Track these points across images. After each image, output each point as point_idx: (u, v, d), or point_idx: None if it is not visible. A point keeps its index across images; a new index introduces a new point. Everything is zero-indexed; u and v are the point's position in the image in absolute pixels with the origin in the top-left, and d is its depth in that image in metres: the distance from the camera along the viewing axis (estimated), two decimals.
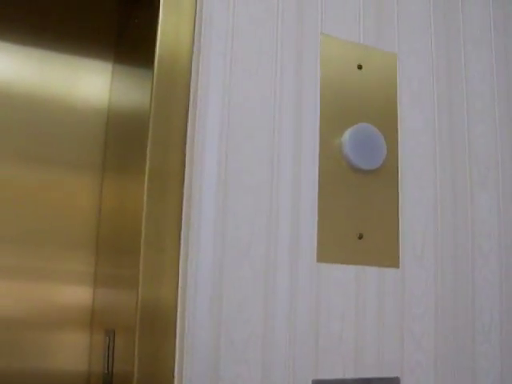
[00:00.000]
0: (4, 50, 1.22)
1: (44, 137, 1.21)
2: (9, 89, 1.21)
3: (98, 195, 1.23)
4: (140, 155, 0.92)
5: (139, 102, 1.00)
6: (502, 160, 1.14)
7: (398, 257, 1.00)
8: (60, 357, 1.17)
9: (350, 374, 0.92)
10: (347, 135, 0.96)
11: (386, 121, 1.02)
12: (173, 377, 0.83)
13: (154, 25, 0.92)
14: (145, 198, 0.86)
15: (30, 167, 1.20)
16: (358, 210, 0.97)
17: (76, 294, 1.20)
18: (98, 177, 1.23)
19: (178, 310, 0.85)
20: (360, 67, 1.01)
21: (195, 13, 0.92)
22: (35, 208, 1.19)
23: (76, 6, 1.28)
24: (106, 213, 1.17)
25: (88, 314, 1.19)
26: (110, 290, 1.09)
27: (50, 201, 1.20)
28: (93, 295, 1.20)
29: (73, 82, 1.25)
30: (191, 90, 0.90)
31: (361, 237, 0.96)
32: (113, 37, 1.29)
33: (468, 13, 1.16)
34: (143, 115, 0.95)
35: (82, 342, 1.18)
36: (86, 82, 1.26)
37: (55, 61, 1.25)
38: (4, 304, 1.15)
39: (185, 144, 0.89)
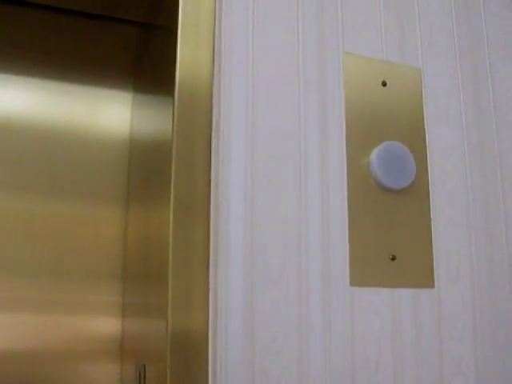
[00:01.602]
0: (23, 83, 1.23)
1: (68, 170, 1.21)
2: (29, 123, 1.21)
3: (123, 225, 1.22)
4: (164, 184, 0.91)
5: (161, 130, 0.99)
6: None
7: (433, 277, 0.97)
8: None
9: None
10: (375, 154, 0.94)
11: (414, 138, 0.99)
12: None
13: (172, 52, 0.91)
14: (171, 226, 0.85)
15: (53, 199, 1.20)
16: (390, 231, 0.94)
17: (105, 325, 1.19)
18: (122, 207, 1.23)
19: (210, 341, 0.83)
20: (384, 84, 0.99)
21: (214, 37, 0.91)
22: (62, 241, 1.19)
23: (93, 37, 1.28)
24: (132, 243, 1.16)
25: (118, 345, 1.18)
26: (138, 320, 1.07)
27: (76, 233, 1.20)
28: (121, 326, 1.18)
29: (93, 113, 1.25)
30: (213, 116, 0.89)
31: (394, 258, 0.94)
32: (131, 66, 1.29)
33: (491, 24, 1.14)
34: (166, 143, 0.94)
35: (111, 374, 1.17)
36: (107, 113, 1.26)
37: (75, 93, 1.25)
38: (32, 337, 1.14)
39: (209, 171, 0.87)
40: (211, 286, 0.84)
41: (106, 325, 1.19)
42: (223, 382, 0.80)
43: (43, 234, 1.18)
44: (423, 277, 0.96)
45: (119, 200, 1.23)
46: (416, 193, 0.97)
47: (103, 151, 1.24)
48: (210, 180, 0.87)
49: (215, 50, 0.90)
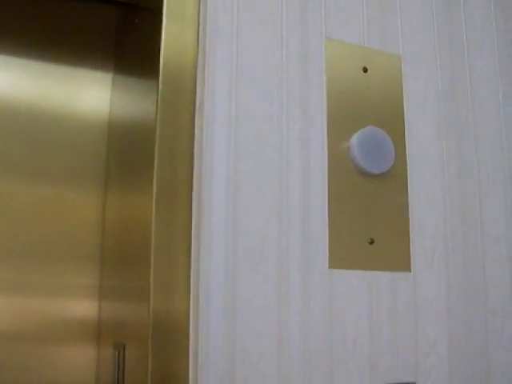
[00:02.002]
0: (2, 63, 1.21)
1: (44, 149, 1.20)
2: (7, 102, 1.20)
3: (100, 208, 1.22)
4: (147, 166, 0.91)
5: (142, 111, 0.99)
6: (509, 162, 1.13)
7: (410, 261, 0.99)
8: (66, 371, 1.15)
9: (365, 381, 0.91)
10: (355, 139, 0.95)
11: (393, 123, 1.01)
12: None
13: (156, 34, 0.91)
14: (153, 209, 0.85)
15: (30, 180, 1.19)
16: (368, 215, 0.96)
17: (81, 308, 1.18)
18: (100, 189, 1.22)
19: (191, 321, 0.84)
20: (365, 70, 1.00)
21: (198, 20, 0.91)
22: (37, 223, 1.18)
23: (72, 16, 1.26)
24: (111, 225, 1.16)
25: (95, 327, 1.18)
26: (117, 302, 1.07)
27: (52, 215, 1.19)
28: (99, 308, 1.18)
29: (72, 93, 1.24)
30: (197, 98, 0.89)
31: (372, 242, 0.95)
32: (111, 47, 1.27)
33: (469, 13, 1.16)
34: (148, 125, 0.94)
35: (88, 356, 1.17)
36: (86, 94, 1.25)
37: (53, 72, 1.24)
38: (7, 319, 1.13)
39: (193, 154, 0.88)
40: (193, 268, 0.85)
41: (83, 307, 1.19)
42: (204, 362, 0.81)
43: (18, 216, 1.17)
44: (400, 260, 0.98)
45: (97, 182, 1.23)
46: (394, 178, 0.99)
47: (81, 132, 1.23)
48: (192, 163, 0.88)
49: (200, 32, 0.90)
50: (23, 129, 1.20)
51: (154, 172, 0.86)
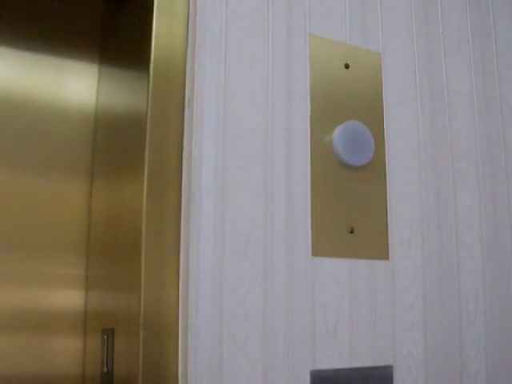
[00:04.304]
0: None
1: (29, 140, 1.21)
2: None
3: (87, 198, 1.23)
4: (136, 157, 0.93)
5: (131, 103, 1.01)
6: (482, 155, 1.18)
7: (388, 249, 1.03)
8: (52, 360, 1.17)
9: (345, 364, 0.95)
10: (337, 133, 0.99)
11: (373, 118, 1.05)
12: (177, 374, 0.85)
13: (146, 27, 0.93)
14: (144, 199, 0.87)
15: (16, 171, 1.20)
16: (349, 205, 1.00)
17: (67, 297, 1.19)
18: (86, 180, 1.23)
19: (180, 309, 0.87)
20: (347, 66, 1.04)
21: (188, 14, 0.94)
22: (23, 213, 1.18)
23: (59, 7, 1.27)
24: (98, 216, 1.17)
25: (81, 318, 1.19)
26: (104, 292, 1.09)
27: (38, 205, 1.20)
28: (85, 298, 1.20)
29: (58, 84, 1.25)
30: (187, 90, 0.92)
31: (352, 231, 0.99)
32: (98, 38, 1.29)
33: (446, 16, 1.20)
34: (137, 117, 0.96)
35: (75, 345, 1.18)
36: (72, 85, 1.26)
37: (39, 63, 1.25)
38: None
39: (182, 145, 0.90)
40: (182, 257, 0.88)
41: (68, 298, 1.19)
42: (193, 345, 0.84)
43: (4, 206, 1.18)
44: (379, 249, 1.02)
45: (83, 173, 1.23)
46: (374, 170, 1.03)
47: (67, 123, 1.24)
48: (182, 155, 0.90)
49: (189, 25, 0.93)
50: (8, 119, 1.20)
51: (145, 163, 0.88)
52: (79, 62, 1.27)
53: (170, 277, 0.87)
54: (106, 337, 1.00)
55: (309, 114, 0.99)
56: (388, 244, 1.03)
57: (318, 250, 0.96)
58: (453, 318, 1.08)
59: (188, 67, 0.92)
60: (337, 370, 0.94)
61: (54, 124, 1.23)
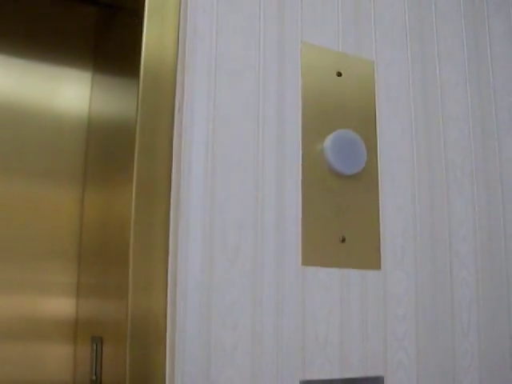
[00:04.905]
0: None
1: (21, 147, 1.21)
2: None
3: (78, 205, 1.23)
4: (126, 164, 0.93)
5: (122, 110, 1.01)
6: (477, 166, 1.18)
7: (380, 259, 1.02)
8: (44, 367, 1.16)
9: (336, 375, 0.94)
10: (328, 141, 0.99)
11: (366, 127, 1.04)
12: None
13: (137, 34, 0.93)
14: (132, 207, 0.87)
15: (7, 177, 1.19)
16: (341, 214, 0.99)
17: (58, 305, 1.19)
18: (78, 187, 1.23)
19: (168, 317, 0.86)
20: (339, 74, 1.03)
21: (179, 22, 0.94)
22: (13, 219, 1.18)
23: (52, 16, 1.27)
24: (89, 223, 1.17)
25: (71, 324, 1.19)
26: (94, 299, 1.09)
27: (29, 212, 1.19)
28: (76, 305, 1.19)
29: (51, 92, 1.25)
30: (177, 99, 0.91)
31: (343, 240, 0.99)
32: (91, 46, 1.29)
33: (440, 24, 1.20)
34: (127, 124, 0.96)
35: (65, 352, 1.18)
36: (65, 92, 1.26)
37: (33, 70, 1.25)
38: None
39: (171, 153, 0.90)
40: (170, 265, 0.87)
41: (59, 305, 1.19)
42: (180, 355, 0.83)
43: None
44: (370, 258, 1.01)
45: (75, 180, 1.24)
46: (366, 179, 1.03)
47: (59, 130, 1.24)
48: (171, 162, 0.90)
49: (180, 33, 0.93)
50: (1, 126, 1.20)
51: (134, 170, 0.87)
52: (72, 70, 1.27)
53: (158, 285, 0.87)
54: (95, 345, 0.99)
55: (300, 122, 0.99)
56: (380, 253, 1.02)
57: (308, 259, 0.95)
58: (446, 329, 1.07)
59: (178, 74, 0.92)
60: (327, 381, 0.93)
61: (47, 131, 1.23)
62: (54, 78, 1.26)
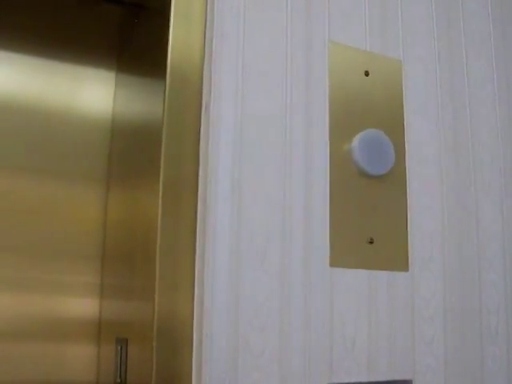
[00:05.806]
0: (5, 59, 1.22)
1: (46, 147, 1.21)
2: (10, 99, 1.21)
3: (103, 206, 1.23)
4: (152, 165, 0.92)
5: (147, 111, 1.00)
6: (505, 166, 1.16)
7: (408, 261, 1.01)
8: (67, 368, 1.16)
9: (363, 378, 0.93)
10: (356, 141, 0.97)
11: (394, 127, 1.03)
12: None
13: (163, 34, 0.92)
14: (159, 208, 0.86)
15: (33, 178, 1.20)
16: (368, 216, 0.98)
17: (82, 306, 1.19)
18: (102, 187, 1.23)
19: (195, 319, 0.85)
20: (367, 74, 1.02)
21: (205, 22, 0.93)
22: (39, 220, 1.19)
23: (77, 16, 1.28)
24: (113, 224, 1.17)
25: (95, 325, 1.19)
26: (119, 300, 1.08)
27: (54, 212, 1.20)
28: (100, 306, 1.19)
29: (75, 91, 1.25)
30: (203, 99, 0.91)
31: (371, 242, 0.97)
32: (115, 46, 1.29)
33: (468, 21, 1.18)
34: (153, 124, 0.95)
35: (89, 354, 1.18)
36: (89, 92, 1.26)
37: (57, 70, 1.25)
38: (9, 317, 1.14)
39: (198, 153, 0.89)
40: (197, 267, 0.86)
41: (83, 306, 1.19)
42: (207, 357, 0.82)
43: (20, 213, 1.18)
44: (398, 260, 1.00)
45: (99, 180, 1.24)
46: (394, 179, 1.01)
47: (83, 130, 1.24)
48: (198, 163, 0.89)
49: (206, 33, 0.92)
50: (25, 126, 1.21)
51: (161, 171, 0.87)
52: (96, 70, 1.27)
53: (184, 286, 0.86)
54: (119, 347, 0.99)
55: (328, 123, 0.98)
56: (408, 255, 1.01)
57: (336, 261, 0.94)
58: (474, 332, 1.05)
59: (205, 73, 0.91)
60: None
61: (70, 132, 1.23)
62: (78, 78, 1.26)
